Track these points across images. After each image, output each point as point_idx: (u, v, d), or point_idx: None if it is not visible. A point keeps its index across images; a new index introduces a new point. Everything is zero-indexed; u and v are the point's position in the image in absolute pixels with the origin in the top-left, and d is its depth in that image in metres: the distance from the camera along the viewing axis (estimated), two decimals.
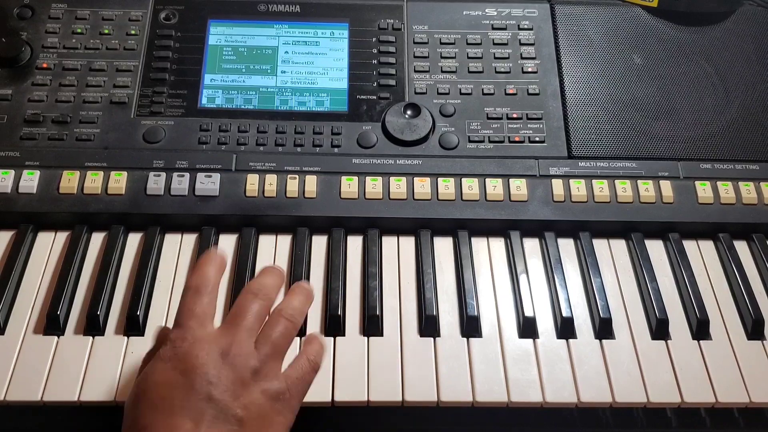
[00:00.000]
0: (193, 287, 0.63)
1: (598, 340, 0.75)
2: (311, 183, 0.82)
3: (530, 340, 0.75)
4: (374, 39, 0.93)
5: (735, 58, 0.93)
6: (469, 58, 0.92)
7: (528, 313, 0.76)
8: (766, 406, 0.73)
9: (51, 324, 0.73)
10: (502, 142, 0.87)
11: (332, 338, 0.74)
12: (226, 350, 0.59)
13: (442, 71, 0.91)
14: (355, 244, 0.82)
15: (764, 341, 0.76)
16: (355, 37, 0.94)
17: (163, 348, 0.60)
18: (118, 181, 0.82)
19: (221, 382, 0.58)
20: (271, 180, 0.82)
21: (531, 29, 0.95)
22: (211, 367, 0.58)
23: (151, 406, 0.57)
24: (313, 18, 0.95)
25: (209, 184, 0.82)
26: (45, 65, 0.89)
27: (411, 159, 0.85)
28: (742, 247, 0.83)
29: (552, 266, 0.80)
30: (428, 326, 0.75)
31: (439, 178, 0.84)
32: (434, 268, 0.80)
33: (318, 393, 0.69)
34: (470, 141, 0.87)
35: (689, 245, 0.83)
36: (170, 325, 0.74)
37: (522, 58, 0.93)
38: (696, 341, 0.75)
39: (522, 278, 0.79)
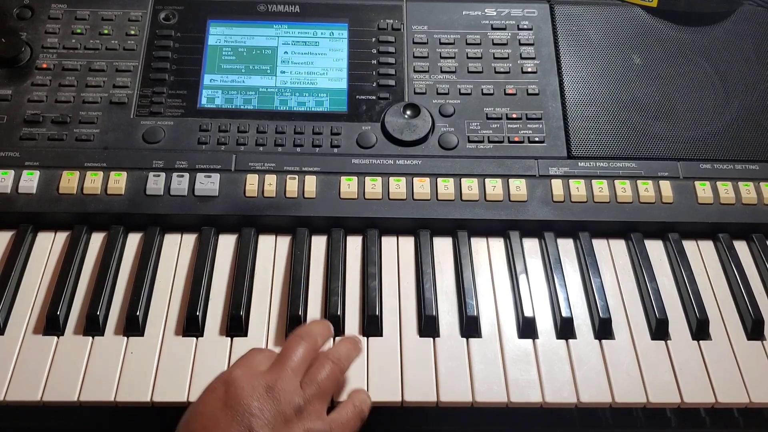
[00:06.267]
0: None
1: (597, 341, 0.75)
2: (311, 183, 0.82)
3: (530, 341, 0.75)
4: (374, 39, 0.93)
5: (734, 58, 0.93)
6: (468, 58, 0.92)
7: (527, 313, 0.76)
8: (765, 407, 0.73)
9: (51, 324, 0.73)
10: (502, 142, 0.87)
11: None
12: (271, 385, 0.60)
13: (442, 71, 0.91)
14: (354, 245, 0.82)
15: (764, 341, 0.76)
16: (354, 37, 0.93)
17: (214, 380, 0.61)
18: (118, 182, 0.82)
19: (263, 416, 0.58)
20: (271, 180, 0.82)
21: (530, 29, 0.95)
22: (255, 399, 0.58)
23: None
24: (312, 18, 0.95)
25: (209, 184, 0.82)
26: (45, 65, 0.89)
27: (410, 159, 0.85)
28: (741, 247, 0.83)
29: (551, 266, 0.80)
30: (428, 326, 0.75)
31: (438, 179, 0.84)
32: (434, 268, 0.79)
33: None
34: (470, 141, 0.87)
35: (689, 245, 0.83)
36: (170, 325, 0.74)
37: (521, 58, 0.93)
38: (696, 341, 0.75)
39: (521, 278, 0.79)
